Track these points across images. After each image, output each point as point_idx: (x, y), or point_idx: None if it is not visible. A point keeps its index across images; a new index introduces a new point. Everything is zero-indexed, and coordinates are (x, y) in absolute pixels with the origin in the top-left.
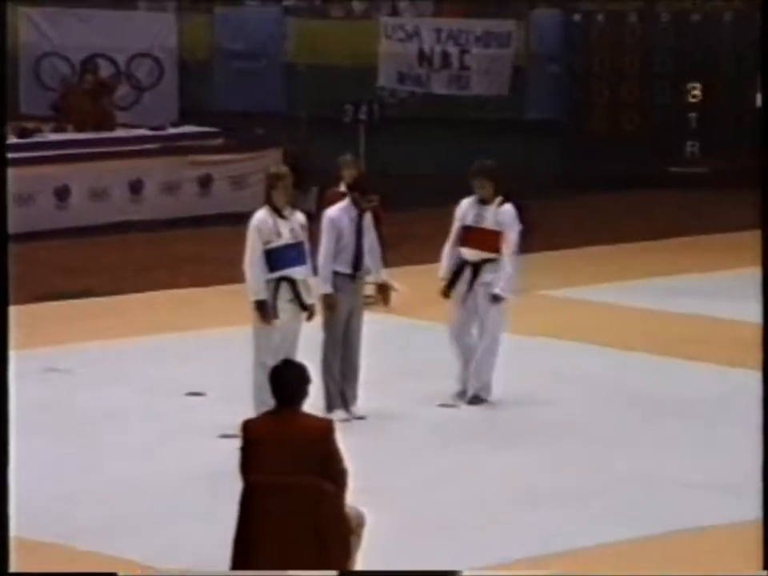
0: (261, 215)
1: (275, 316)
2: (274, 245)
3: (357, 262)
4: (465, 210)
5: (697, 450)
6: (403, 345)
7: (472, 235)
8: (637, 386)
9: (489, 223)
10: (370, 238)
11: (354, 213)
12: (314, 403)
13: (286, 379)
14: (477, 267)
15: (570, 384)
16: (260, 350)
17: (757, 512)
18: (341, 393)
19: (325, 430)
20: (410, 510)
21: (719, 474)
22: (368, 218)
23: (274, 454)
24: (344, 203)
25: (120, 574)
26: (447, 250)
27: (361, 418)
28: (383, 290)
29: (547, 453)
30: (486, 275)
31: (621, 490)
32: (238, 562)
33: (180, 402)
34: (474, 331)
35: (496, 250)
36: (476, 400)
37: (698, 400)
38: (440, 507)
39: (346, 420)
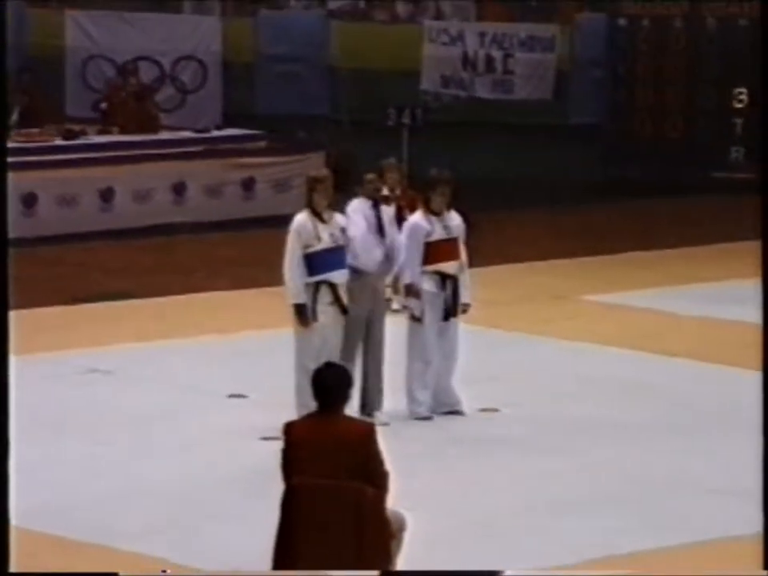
0: (301, 219)
1: (315, 319)
2: (313, 249)
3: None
4: (426, 227)
5: (739, 459)
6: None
7: (447, 248)
8: (678, 393)
9: (455, 233)
10: (391, 234)
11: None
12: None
13: (328, 382)
14: (456, 279)
15: (609, 389)
16: (301, 352)
17: None
18: (364, 398)
19: (366, 433)
20: (448, 515)
21: (749, 482)
22: (388, 212)
23: (314, 457)
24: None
25: (120, 573)
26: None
27: (385, 424)
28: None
29: (584, 458)
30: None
31: (658, 497)
32: (279, 565)
33: (221, 404)
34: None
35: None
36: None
37: (742, 407)
38: (477, 512)
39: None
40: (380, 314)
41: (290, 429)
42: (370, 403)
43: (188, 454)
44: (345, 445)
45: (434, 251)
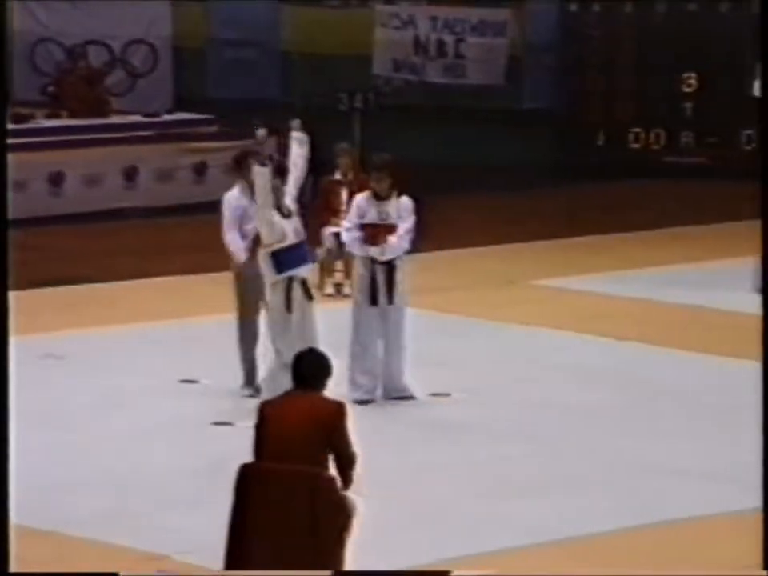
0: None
1: (289, 311)
2: (280, 246)
3: None
4: (363, 207)
5: (688, 438)
6: None
7: (374, 232)
8: (629, 375)
9: (393, 219)
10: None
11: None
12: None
13: (306, 364)
14: (391, 265)
15: (561, 373)
16: (274, 337)
17: (754, 501)
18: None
19: (336, 411)
20: (400, 500)
21: (711, 463)
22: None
23: (283, 434)
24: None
25: (121, 573)
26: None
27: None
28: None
29: (540, 442)
30: (398, 273)
31: (615, 478)
32: (233, 548)
33: (173, 389)
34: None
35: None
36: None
37: (690, 389)
38: (430, 497)
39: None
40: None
41: (263, 406)
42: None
43: (141, 439)
44: (313, 421)
45: (364, 234)
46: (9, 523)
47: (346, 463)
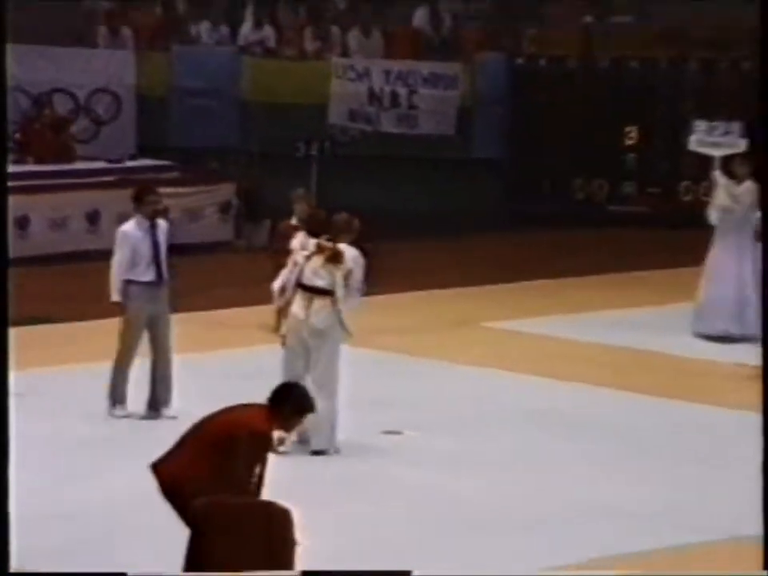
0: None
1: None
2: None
3: (159, 271)
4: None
5: (628, 476)
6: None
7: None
8: (575, 416)
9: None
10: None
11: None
12: None
13: (286, 390)
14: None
15: (508, 413)
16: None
17: (698, 537)
18: (152, 395)
19: (248, 428)
20: (349, 537)
21: (648, 500)
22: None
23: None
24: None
25: (129, 573)
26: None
27: (173, 417)
28: None
29: (486, 480)
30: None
31: (558, 517)
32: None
33: (133, 427)
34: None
35: None
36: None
37: (629, 428)
38: (376, 533)
39: (127, 417)
40: (163, 317)
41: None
42: (158, 399)
43: (95, 476)
44: (224, 426)
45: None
46: (9, 524)
47: (231, 484)
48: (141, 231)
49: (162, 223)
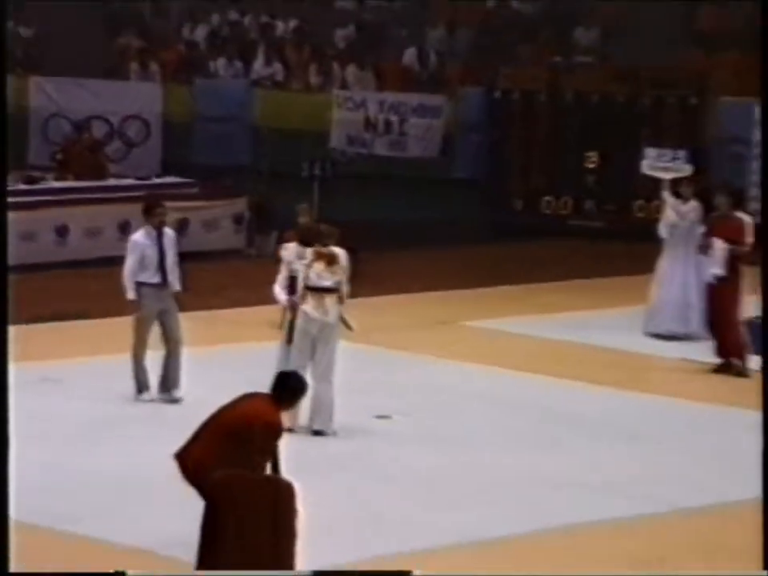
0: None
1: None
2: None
3: (164, 275)
4: (294, 252)
5: (583, 455)
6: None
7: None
8: (545, 405)
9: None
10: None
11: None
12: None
13: (284, 378)
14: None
15: (481, 400)
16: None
17: (641, 509)
18: (163, 378)
19: (262, 419)
20: (345, 506)
21: (598, 476)
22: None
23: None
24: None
25: (129, 573)
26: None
27: (178, 400)
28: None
29: (459, 457)
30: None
31: (516, 489)
32: (206, 546)
33: (159, 410)
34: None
35: None
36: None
37: (586, 415)
38: (365, 502)
39: (152, 401)
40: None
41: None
42: (168, 381)
43: (129, 454)
44: (240, 417)
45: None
46: (8, 524)
47: (251, 464)
48: (149, 239)
49: (168, 232)
